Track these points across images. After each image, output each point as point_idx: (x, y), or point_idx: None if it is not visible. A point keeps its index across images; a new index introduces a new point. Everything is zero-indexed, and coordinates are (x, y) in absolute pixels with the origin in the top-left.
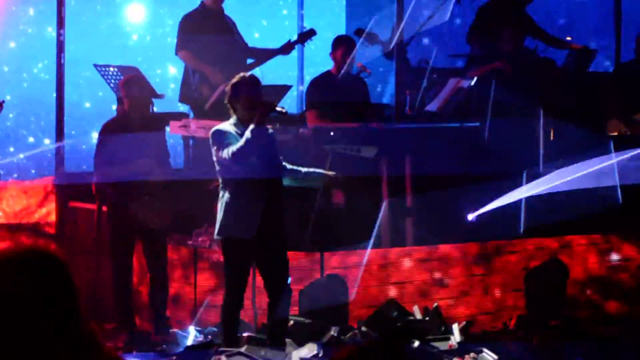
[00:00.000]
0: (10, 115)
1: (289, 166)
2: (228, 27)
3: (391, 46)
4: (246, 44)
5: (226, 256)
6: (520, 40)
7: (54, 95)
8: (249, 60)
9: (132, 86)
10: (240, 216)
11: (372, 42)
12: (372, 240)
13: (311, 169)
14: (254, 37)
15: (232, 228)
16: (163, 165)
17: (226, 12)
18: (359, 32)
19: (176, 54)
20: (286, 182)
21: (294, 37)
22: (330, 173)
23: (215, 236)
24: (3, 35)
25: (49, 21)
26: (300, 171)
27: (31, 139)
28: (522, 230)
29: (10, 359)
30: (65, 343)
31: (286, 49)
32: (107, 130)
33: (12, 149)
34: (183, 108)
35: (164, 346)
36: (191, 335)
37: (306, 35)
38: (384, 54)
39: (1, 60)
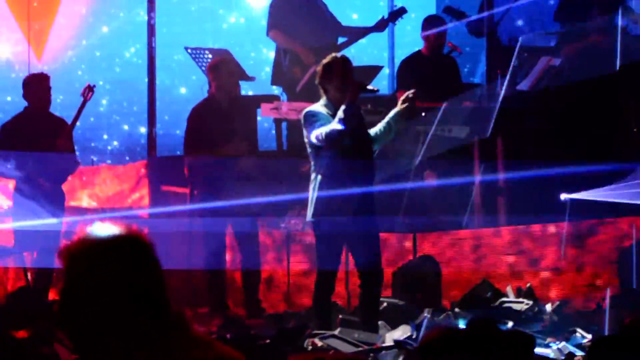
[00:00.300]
0: (104, 102)
1: (374, 132)
2: (319, 7)
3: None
4: (339, 23)
5: (318, 239)
6: (610, 17)
7: (146, 79)
8: (341, 40)
9: (218, 69)
10: (333, 198)
11: (453, 16)
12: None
13: (388, 115)
14: (352, 18)
15: (325, 210)
16: (252, 147)
17: None
18: (448, 10)
19: (267, 34)
20: (377, 146)
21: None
22: (401, 101)
23: (308, 218)
24: (95, 20)
25: (141, 5)
26: (385, 126)
27: (125, 127)
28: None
29: (99, 343)
30: (153, 327)
31: (379, 26)
32: (196, 114)
33: (105, 136)
34: (277, 90)
35: (258, 330)
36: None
37: (397, 14)
38: (471, 32)
39: (93, 45)
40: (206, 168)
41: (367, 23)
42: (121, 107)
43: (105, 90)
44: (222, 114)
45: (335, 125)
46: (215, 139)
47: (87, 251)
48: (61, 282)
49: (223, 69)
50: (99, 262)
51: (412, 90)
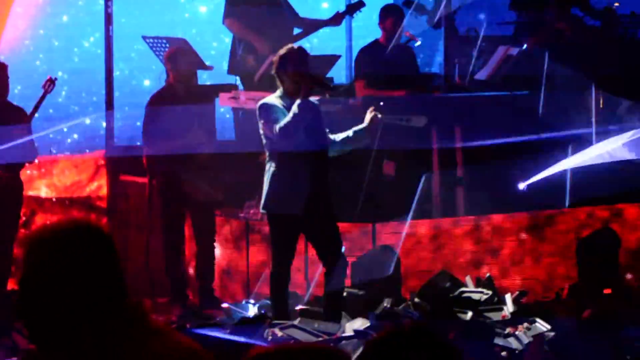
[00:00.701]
0: (63, 93)
1: (334, 137)
2: None
3: (437, 16)
4: (296, 14)
5: (272, 229)
6: (567, 7)
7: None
8: (297, 30)
9: (176, 58)
10: (286, 190)
11: (421, 13)
12: (412, 211)
13: (353, 128)
14: (322, 8)
15: (278, 202)
16: (211, 137)
17: None
18: (408, 3)
19: (223, 22)
20: (333, 152)
21: (343, 9)
22: (369, 117)
23: (261, 209)
24: (53, 9)
25: None
26: (348, 136)
27: (87, 121)
28: (567, 204)
29: (56, 333)
30: (111, 317)
31: (335, 19)
32: (154, 103)
33: (65, 129)
34: (235, 80)
35: (217, 319)
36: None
37: (355, 7)
38: (431, 25)
39: (51, 34)
40: (164, 157)
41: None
42: (79, 97)
43: (63, 81)
44: (179, 103)
45: (289, 119)
46: (173, 128)
47: (46, 241)
48: (20, 271)
49: (180, 58)
50: (58, 253)
51: (371, 109)
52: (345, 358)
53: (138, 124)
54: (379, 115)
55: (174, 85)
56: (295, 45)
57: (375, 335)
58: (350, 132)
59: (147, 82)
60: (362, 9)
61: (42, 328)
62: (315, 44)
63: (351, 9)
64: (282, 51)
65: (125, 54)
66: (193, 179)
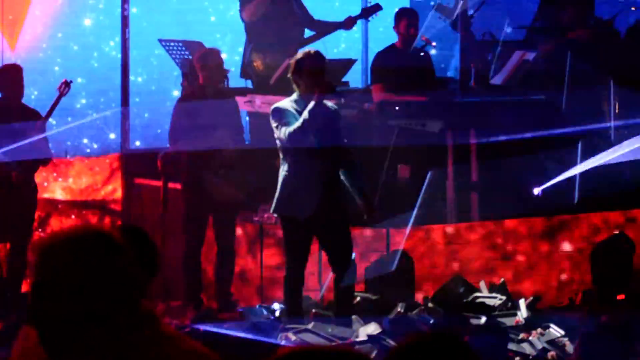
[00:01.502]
0: (83, 101)
1: (348, 180)
2: (289, 1)
3: (454, 16)
4: (310, 16)
5: (285, 232)
6: (584, 10)
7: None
8: (308, 33)
9: (208, 59)
10: (297, 193)
11: (444, 14)
12: (414, 215)
13: (356, 192)
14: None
15: (288, 206)
16: (237, 138)
17: None
18: (440, 8)
19: (240, 14)
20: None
21: (358, 12)
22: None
23: (272, 211)
24: (71, 12)
25: None
26: (350, 184)
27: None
28: (575, 200)
29: (68, 338)
30: (123, 323)
31: (348, 23)
32: (182, 105)
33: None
34: (248, 84)
35: (232, 323)
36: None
37: (370, 10)
38: (450, 25)
39: (69, 37)
40: (190, 157)
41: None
42: (98, 102)
43: (81, 85)
44: (210, 105)
45: (299, 124)
46: (201, 128)
47: (59, 246)
48: (32, 276)
49: (211, 60)
50: (70, 257)
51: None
52: None
53: (158, 130)
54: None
55: (203, 86)
56: (312, 50)
57: (399, 344)
58: (354, 189)
59: (153, 87)
60: (379, 12)
61: (53, 333)
62: (330, 47)
63: (367, 12)
64: (299, 55)
65: (145, 59)
66: (217, 181)
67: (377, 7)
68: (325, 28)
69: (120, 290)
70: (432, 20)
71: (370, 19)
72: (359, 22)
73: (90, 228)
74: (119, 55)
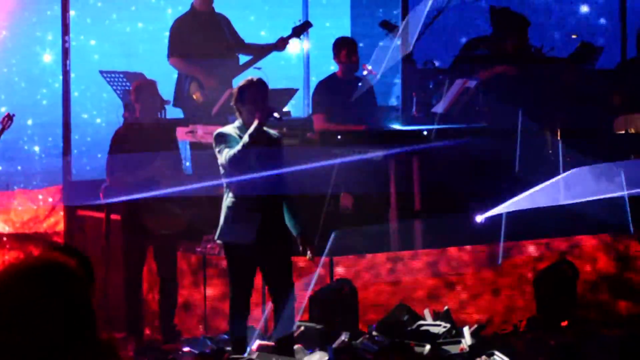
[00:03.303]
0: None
1: (286, 216)
2: (219, 28)
3: (398, 34)
4: (241, 41)
5: (228, 261)
6: (524, 42)
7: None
8: (243, 60)
9: (143, 91)
10: (239, 221)
11: (389, 30)
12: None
13: (297, 234)
14: (261, 36)
15: (231, 232)
16: (176, 170)
17: (218, 10)
18: (385, 24)
19: (168, 60)
20: None
21: (288, 33)
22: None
23: (215, 239)
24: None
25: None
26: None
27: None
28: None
29: None
30: (81, 353)
31: (280, 44)
32: (119, 136)
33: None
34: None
35: (176, 354)
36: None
37: (301, 28)
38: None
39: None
40: (126, 191)
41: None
42: (40, 136)
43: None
44: (145, 136)
45: (239, 148)
46: (138, 161)
47: (9, 279)
48: None
49: (146, 91)
50: (25, 290)
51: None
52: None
53: (99, 155)
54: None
55: (140, 118)
56: (255, 77)
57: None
58: (295, 228)
59: (98, 120)
60: (309, 30)
61: None
62: (270, 75)
63: (298, 31)
64: (241, 83)
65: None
66: (156, 212)
67: (307, 25)
68: (259, 51)
69: (79, 322)
70: (387, 38)
71: (301, 37)
72: (301, 51)
73: (44, 257)
74: (76, 94)
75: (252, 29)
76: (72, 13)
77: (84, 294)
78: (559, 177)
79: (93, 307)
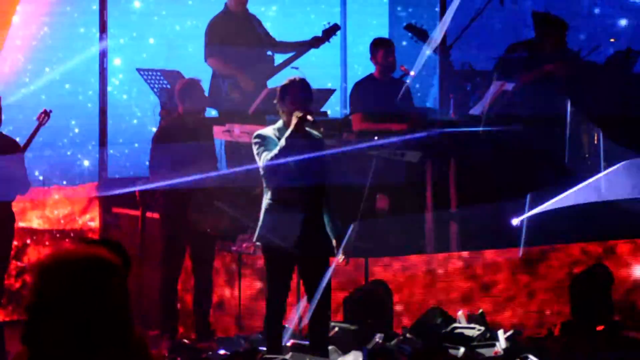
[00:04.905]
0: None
1: (325, 217)
2: (253, 28)
3: (428, 39)
4: (273, 39)
5: (266, 262)
6: (562, 45)
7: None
8: (278, 60)
9: (187, 91)
10: (279, 222)
11: (414, 34)
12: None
13: (332, 231)
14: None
15: (270, 235)
16: (214, 169)
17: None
18: (410, 27)
19: (205, 61)
20: None
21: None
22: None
23: (254, 240)
24: (53, 42)
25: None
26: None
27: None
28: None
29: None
30: (116, 349)
31: (314, 42)
32: (162, 136)
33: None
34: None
35: (209, 353)
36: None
37: (330, 31)
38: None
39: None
40: (169, 191)
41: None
42: (70, 130)
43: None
44: (187, 135)
45: (276, 152)
46: (181, 160)
47: (61, 268)
48: (30, 296)
49: (191, 90)
50: (69, 280)
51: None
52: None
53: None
54: (308, 117)
55: (183, 117)
56: (298, 76)
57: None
58: (331, 228)
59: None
60: (338, 32)
61: (49, 355)
62: (308, 74)
63: (328, 34)
64: (284, 82)
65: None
66: (195, 212)
67: (335, 28)
68: (294, 49)
69: (115, 315)
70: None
71: (331, 39)
72: (338, 53)
73: (90, 251)
74: (115, 92)
75: (291, 27)
76: (136, 5)
77: (123, 292)
78: (600, 174)
79: (130, 305)
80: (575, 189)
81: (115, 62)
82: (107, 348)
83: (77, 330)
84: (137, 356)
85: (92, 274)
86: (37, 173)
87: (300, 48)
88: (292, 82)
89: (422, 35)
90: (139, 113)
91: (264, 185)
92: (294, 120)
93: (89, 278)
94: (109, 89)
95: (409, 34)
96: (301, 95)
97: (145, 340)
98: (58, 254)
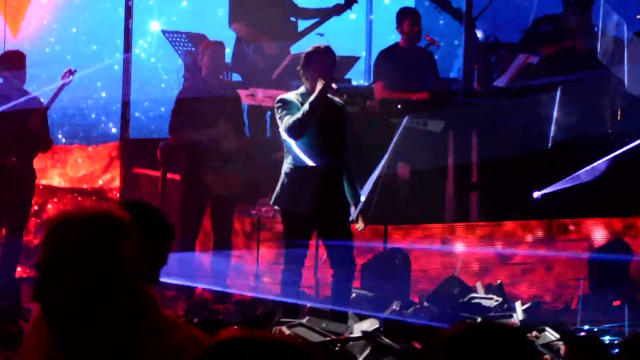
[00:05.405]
0: (103, 94)
1: (345, 184)
2: None
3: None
4: (295, 5)
5: (284, 226)
6: (588, 19)
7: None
8: (302, 24)
9: (210, 52)
10: (298, 187)
11: (445, 9)
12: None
13: (352, 197)
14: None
15: (290, 199)
16: (239, 132)
17: None
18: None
19: (230, 26)
20: None
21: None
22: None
23: (271, 203)
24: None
25: None
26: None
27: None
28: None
29: (72, 317)
30: (126, 307)
31: (338, 9)
32: (185, 96)
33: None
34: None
35: (225, 315)
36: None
37: (350, 1)
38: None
39: (71, 24)
40: (189, 149)
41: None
42: (95, 91)
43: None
44: (211, 97)
45: (299, 117)
46: (201, 120)
47: (69, 225)
48: (41, 253)
49: (215, 52)
50: (80, 237)
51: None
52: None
53: (151, 114)
54: (332, 85)
55: (206, 77)
56: (323, 44)
57: (448, 332)
58: (351, 193)
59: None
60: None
61: (59, 311)
62: (333, 43)
63: (349, 2)
64: (309, 48)
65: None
66: (216, 173)
67: None
68: (317, 15)
69: (126, 273)
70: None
71: (352, 7)
72: (363, 20)
73: (102, 209)
74: (143, 55)
75: None
76: None
77: (132, 249)
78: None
79: (141, 263)
80: (591, 166)
81: (146, 25)
82: (115, 304)
83: (85, 286)
84: (147, 315)
85: (101, 230)
86: (60, 135)
87: (323, 15)
88: (317, 50)
89: (447, 7)
90: (165, 76)
91: (285, 150)
92: (318, 87)
93: (98, 234)
94: (136, 51)
95: (434, 4)
96: (325, 62)
97: (155, 299)
98: (68, 211)
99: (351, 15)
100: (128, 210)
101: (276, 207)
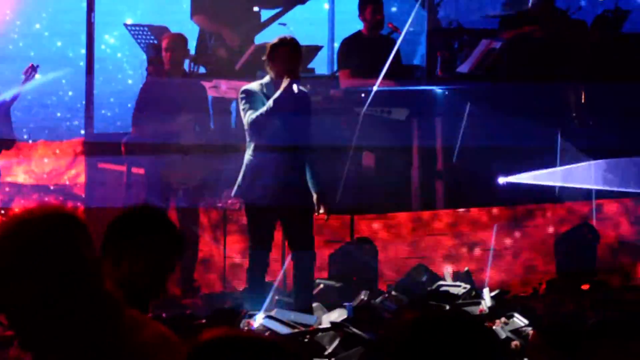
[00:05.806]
0: (70, 94)
1: (307, 174)
2: None
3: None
4: None
5: (248, 216)
6: (550, 4)
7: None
8: (265, 16)
9: (172, 45)
10: (260, 179)
11: None
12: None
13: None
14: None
15: (248, 191)
16: (202, 124)
17: None
18: None
19: (191, 18)
20: None
21: None
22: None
23: (232, 195)
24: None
25: None
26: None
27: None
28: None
29: (33, 323)
30: (87, 307)
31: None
32: (147, 89)
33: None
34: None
35: (193, 310)
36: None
37: None
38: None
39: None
40: (150, 144)
41: None
42: (60, 86)
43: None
44: (173, 90)
45: (263, 112)
46: (166, 114)
47: (20, 229)
48: None
49: (177, 44)
50: (32, 241)
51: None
52: (291, 357)
53: (116, 110)
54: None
55: (168, 70)
56: (288, 35)
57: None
58: (314, 188)
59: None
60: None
61: (19, 317)
62: (295, 32)
63: None
64: (275, 40)
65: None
66: (179, 167)
67: None
68: (282, 4)
69: (83, 273)
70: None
71: None
72: (326, 9)
73: (50, 209)
74: (108, 51)
75: None
76: None
77: (83, 247)
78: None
79: (96, 259)
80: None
81: (112, 19)
82: (77, 307)
83: (42, 291)
84: (110, 314)
85: (53, 231)
86: (25, 136)
87: (287, 3)
88: (282, 41)
89: None
90: (130, 71)
91: (247, 140)
92: (283, 84)
93: (50, 235)
94: (102, 47)
95: None
96: (291, 57)
97: (118, 297)
98: (16, 215)
99: (325, 5)
100: (135, 216)
101: (232, 196)
